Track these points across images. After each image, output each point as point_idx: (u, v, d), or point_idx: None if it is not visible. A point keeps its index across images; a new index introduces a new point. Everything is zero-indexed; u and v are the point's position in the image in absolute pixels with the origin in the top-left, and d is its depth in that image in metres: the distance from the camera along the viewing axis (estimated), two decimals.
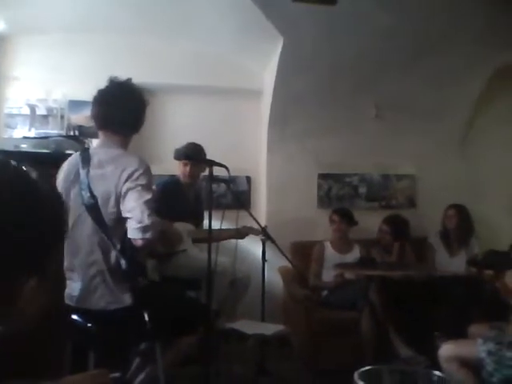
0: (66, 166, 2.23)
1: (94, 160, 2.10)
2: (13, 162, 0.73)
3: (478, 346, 2.34)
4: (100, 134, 2.21)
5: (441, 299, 3.75)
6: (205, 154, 3.40)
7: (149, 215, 1.96)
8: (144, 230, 1.95)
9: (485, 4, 3.61)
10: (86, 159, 2.11)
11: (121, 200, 2.01)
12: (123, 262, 1.99)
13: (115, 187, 2.02)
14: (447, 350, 2.45)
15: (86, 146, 2.80)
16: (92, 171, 2.07)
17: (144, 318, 1.99)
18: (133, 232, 1.97)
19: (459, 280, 3.92)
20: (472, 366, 2.35)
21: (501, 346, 2.29)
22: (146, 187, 2.01)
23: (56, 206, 0.75)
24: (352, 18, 3.70)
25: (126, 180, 2.00)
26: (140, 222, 1.95)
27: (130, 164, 2.04)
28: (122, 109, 2.14)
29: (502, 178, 4.86)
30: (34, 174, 0.73)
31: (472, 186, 4.81)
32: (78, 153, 2.26)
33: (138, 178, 2.01)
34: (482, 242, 4.37)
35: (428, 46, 4.10)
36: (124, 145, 2.19)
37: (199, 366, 2.67)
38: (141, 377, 2.31)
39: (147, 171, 2.06)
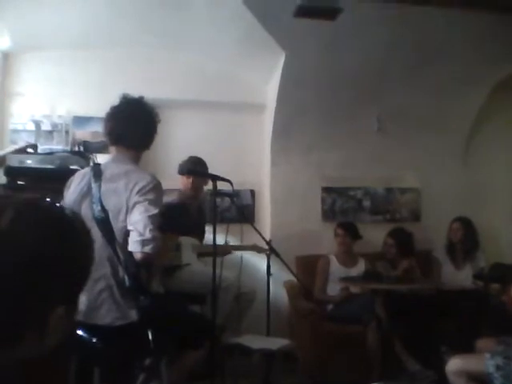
0: (77, 179, 2.24)
1: (106, 174, 2.13)
2: (49, 201, 0.77)
3: (485, 360, 2.32)
4: (112, 149, 2.24)
5: (447, 313, 3.72)
6: (207, 168, 3.42)
7: (151, 230, 1.97)
8: (144, 243, 1.96)
9: (486, 15, 3.63)
10: (97, 173, 2.14)
11: (128, 213, 2.02)
12: (126, 279, 1.99)
13: (126, 201, 2.03)
14: (455, 364, 2.43)
15: (92, 161, 2.81)
16: (104, 185, 2.09)
17: (148, 334, 1.98)
18: (133, 245, 1.98)
19: (465, 294, 3.90)
20: (480, 380, 2.33)
21: (508, 361, 2.27)
22: (154, 202, 2.03)
23: (87, 240, 0.79)
24: (353, 31, 3.73)
25: (136, 194, 2.02)
26: (141, 235, 1.96)
27: (141, 179, 2.06)
28: (135, 125, 2.19)
29: (505, 189, 4.86)
30: (69, 212, 0.77)
31: (476, 197, 4.80)
32: (89, 167, 2.28)
33: (147, 193, 2.03)
34: (487, 255, 4.35)
35: (429, 57, 4.13)
36: (136, 160, 2.23)
37: (205, 381, 2.65)
38: None
39: (157, 187, 2.08)
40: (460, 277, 4.24)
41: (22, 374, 0.76)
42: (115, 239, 2.01)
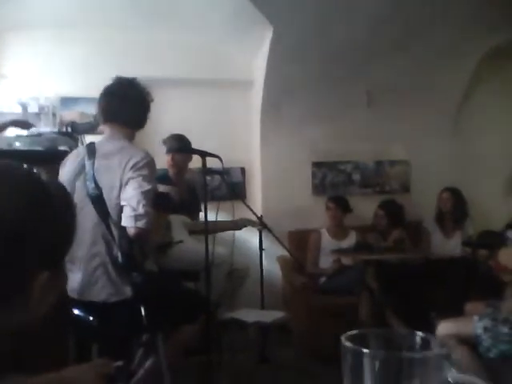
0: (70, 158, 2.27)
1: (100, 152, 2.15)
2: (24, 165, 0.77)
3: (474, 323, 2.39)
4: (106, 127, 2.27)
5: (437, 281, 3.80)
6: (190, 144, 3.42)
7: (144, 205, 1.98)
8: (137, 218, 1.98)
9: None
10: (91, 151, 2.16)
11: (122, 189, 2.04)
12: (119, 255, 2.02)
13: (120, 178, 2.06)
14: (444, 328, 2.50)
15: (80, 142, 2.81)
16: (97, 162, 2.11)
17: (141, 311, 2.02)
18: (126, 220, 2.00)
19: (455, 261, 3.97)
20: (469, 342, 2.40)
21: (496, 323, 2.33)
22: (148, 178, 2.05)
23: (66, 204, 0.79)
24: (341, 5, 3.70)
25: (130, 170, 2.04)
26: (134, 211, 1.98)
27: (135, 155, 2.09)
28: (129, 103, 2.22)
29: (494, 161, 4.90)
30: (44, 175, 0.77)
31: (465, 168, 4.84)
32: (84, 145, 2.31)
33: (140, 169, 2.05)
34: (476, 224, 4.42)
35: (417, 30, 4.11)
36: (130, 138, 2.25)
37: (201, 356, 2.71)
38: (144, 368, 2.34)
39: (151, 163, 2.11)
40: (449, 245, 4.32)
41: (14, 343, 0.78)
42: (109, 216, 2.04)
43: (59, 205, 0.77)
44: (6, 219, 0.67)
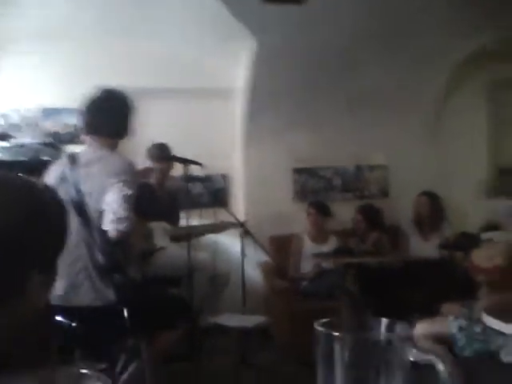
0: (54, 168, 2.31)
1: (81, 160, 2.19)
2: (19, 174, 0.83)
3: (449, 322, 2.46)
4: (88, 137, 2.31)
5: (416, 283, 3.88)
6: (171, 152, 3.47)
7: (125, 209, 2.04)
8: (118, 221, 2.03)
9: None
10: (73, 160, 2.21)
11: (103, 195, 2.09)
12: (100, 258, 2.05)
13: (101, 184, 2.11)
14: (421, 328, 2.57)
15: (63, 152, 2.84)
16: (79, 170, 2.16)
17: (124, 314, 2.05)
18: (107, 223, 2.05)
19: (432, 263, 4.06)
20: (445, 342, 2.47)
21: (470, 322, 2.41)
22: (128, 183, 2.10)
23: (60, 210, 0.84)
24: (322, 15, 3.79)
25: (110, 176, 2.10)
26: (115, 214, 2.03)
27: (115, 162, 2.16)
28: (109, 114, 2.28)
29: (470, 165, 5.04)
30: (39, 182, 0.82)
31: (443, 174, 4.95)
32: (66, 155, 2.34)
33: (121, 174, 2.11)
34: (453, 227, 4.53)
35: (395, 38, 4.22)
36: (111, 146, 2.29)
37: (183, 362, 2.74)
38: (127, 373, 2.36)
39: (131, 169, 2.17)
40: (427, 248, 4.41)
41: (7, 340, 0.82)
42: (90, 221, 2.08)
43: (54, 210, 0.81)
44: (5, 226, 0.72)
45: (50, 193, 0.84)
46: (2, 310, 0.74)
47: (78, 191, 2.10)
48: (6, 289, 0.74)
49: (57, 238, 0.82)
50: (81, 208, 2.08)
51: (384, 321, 0.72)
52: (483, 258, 3.07)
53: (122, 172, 2.12)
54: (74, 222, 2.11)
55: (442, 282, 3.66)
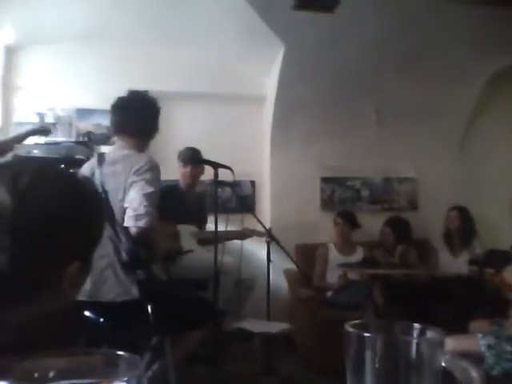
0: (85, 166, 2.39)
1: (108, 159, 2.25)
2: (61, 166, 0.87)
3: (478, 340, 2.40)
4: (116, 138, 2.40)
5: (444, 299, 3.81)
6: (202, 156, 3.51)
7: (145, 206, 2.08)
8: (137, 218, 2.07)
9: (478, 7, 3.70)
10: (101, 159, 2.27)
11: (126, 193, 2.14)
12: (124, 254, 2.09)
13: (124, 182, 2.16)
14: (448, 344, 2.51)
15: (96, 151, 2.91)
16: (104, 168, 2.22)
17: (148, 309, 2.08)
18: (128, 220, 2.09)
19: (461, 279, 3.98)
20: (473, 360, 2.41)
21: (500, 340, 2.34)
22: (150, 182, 2.14)
23: (98, 201, 0.89)
24: (351, 24, 3.81)
25: (133, 174, 2.15)
26: (135, 211, 2.08)
27: (138, 161, 2.20)
28: (136, 115, 2.34)
29: (501, 179, 4.93)
30: (79, 175, 0.85)
31: (472, 187, 4.87)
32: (96, 154, 2.42)
33: (143, 173, 2.15)
34: (483, 243, 4.43)
35: (425, 49, 4.20)
36: (138, 147, 2.34)
37: (207, 365, 2.74)
38: (150, 372, 2.38)
39: (154, 168, 2.20)
40: (456, 264, 4.33)
41: (41, 328, 0.84)
42: (115, 219, 2.12)
43: (94, 202, 0.85)
44: (51, 215, 0.76)
45: (90, 185, 0.87)
46: (42, 295, 0.76)
47: (104, 189, 2.16)
48: (44, 276, 0.77)
49: (95, 228, 0.85)
50: (106, 206, 2.14)
51: (416, 325, 0.71)
52: None
53: (145, 170, 2.16)
54: None
55: (472, 299, 3.58)
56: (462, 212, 4.47)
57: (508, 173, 4.96)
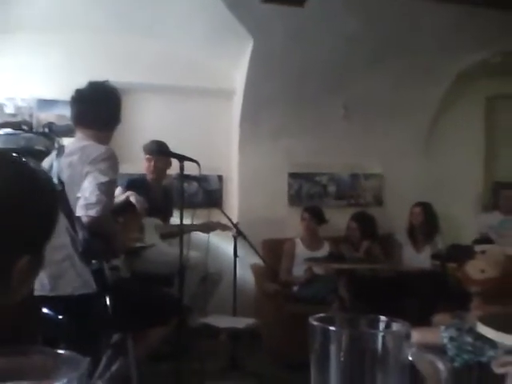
0: (46, 160, 2.31)
1: (66, 150, 2.19)
2: (14, 154, 0.80)
3: (440, 332, 2.44)
4: (77, 129, 2.34)
5: (407, 293, 3.87)
6: (169, 149, 3.45)
7: (97, 195, 2.04)
8: (88, 207, 2.03)
9: (446, 6, 3.76)
10: (61, 151, 2.21)
11: (81, 184, 2.10)
12: (80, 246, 2.04)
13: (80, 173, 2.12)
14: (413, 336, 2.54)
15: (57, 143, 2.82)
16: (62, 160, 2.16)
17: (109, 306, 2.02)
18: (79, 209, 2.05)
19: (424, 274, 4.06)
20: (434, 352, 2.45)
21: (461, 332, 2.39)
22: (105, 172, 2.10)
23: (52, 193, 0.82)
24: (320, 20, 3.81)
25: (88, 164, 2.11)
26: (86, 200, 2.04)
27: (95, 151, 2.15)
28: (96, 106, 2.29)
29: (464, 177, 5.05)
30: (32, 164, 0.79)
31: (437, 184, 4.96)
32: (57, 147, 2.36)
33: (98, 163, 2.11)
34: (446, 238, 4.53)
35: (393, 47, 4.24)
36: (98, 139, 2.28)
37: (171, 362, 2.70)
38: (112, 370, 2.32)
39: (110, 158, 2.16)
40: (420, 259, 4.41)
41: None
42: (71, 210, 2.07)
43: (46, 193, 0.79)
44: None
45: (43, 174, 0.81)
46: None
47: (60, 180, 2.11)
48: None
49: (48, 220, 0.79)
50: (61, 197, 2.09)
51: (382, 318, 0.69)
52: (476, 269, 3.07)
53: (100, 160, 2.12)
54: None
55: (435, 293, 3.65)
56: (426, 208, 4.55)
57: (471, 171, 5.09)
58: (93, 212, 2.02)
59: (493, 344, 2.19)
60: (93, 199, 2.02)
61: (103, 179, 2.08)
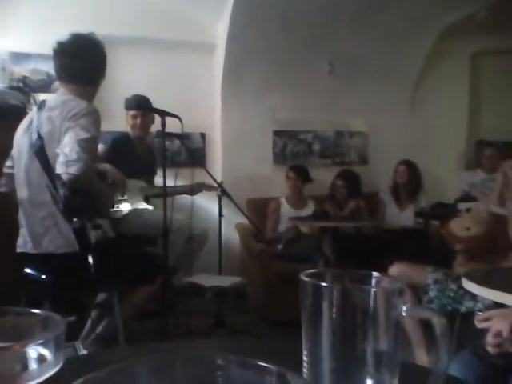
0: (27, 115, 2.28)
1: (47, 105, 2.12)
2: None
3: (426, 272, 2.46)
4: (59, 84, 2.27)
5: (391, 250, 3.91)
6: (151, 105, 3.34)
7: (77, 152, 1.96)
8: (68, 164, 1.96)
9: None
10: (42, 105, 2.16)
11: (60, 139, 2.03)
12: (61, 203, 2.00)
13: (59, 128, 2.05)
14: (398, 268, 2.56)
15: (32, 98, 2.71)
16: (42, 114, 2.09)
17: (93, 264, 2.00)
18: (59, 166, 1.99)
19: (408, 231, 4.10)
20: (415, 289, 2.48)
21: (447, 277, 2.42)
22: (86, 128, 2.03)
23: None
24: None
25: (68, 120, 2.04)
26: (66, 157, 1.97)
27: (76, 106, 2.08)
28: (80, 59, 2.20)
29: (449, 134, 5.04)
30: None
31: (421, 143, 4.96)
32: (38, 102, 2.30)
33: (79, 119, 2.04)
34: (430, 197, 4.56)
35: (379, 3, 4.12)
36: (81, 94, 2.20)
37: (157, 320, 2.70)
38: (99, 329, 2.31)
39: (92, 114, 2.09)
40: (403, 217, 4.44)
41: None
42: (50, 166, 2.01)
43: None
44: None
45: None
46: None
47: (39, 135, 2.04)
48: None
49: None
50: (41, 153, 2.03)
51: (374, 274, 0.67)
52: (461, 227, 3.10)
53: (81, 116, 2.05)
54: (35, 167, 2.10)
55: (417, 250, 3.69)
56: (410, 166, 4.55)
57: (455, 130, 5.08)
58: (73, 169, 1.95)
59: (473, 296, 2.23)
60: (73, 156, 1.95)
61: (84, 135, 2.00)
